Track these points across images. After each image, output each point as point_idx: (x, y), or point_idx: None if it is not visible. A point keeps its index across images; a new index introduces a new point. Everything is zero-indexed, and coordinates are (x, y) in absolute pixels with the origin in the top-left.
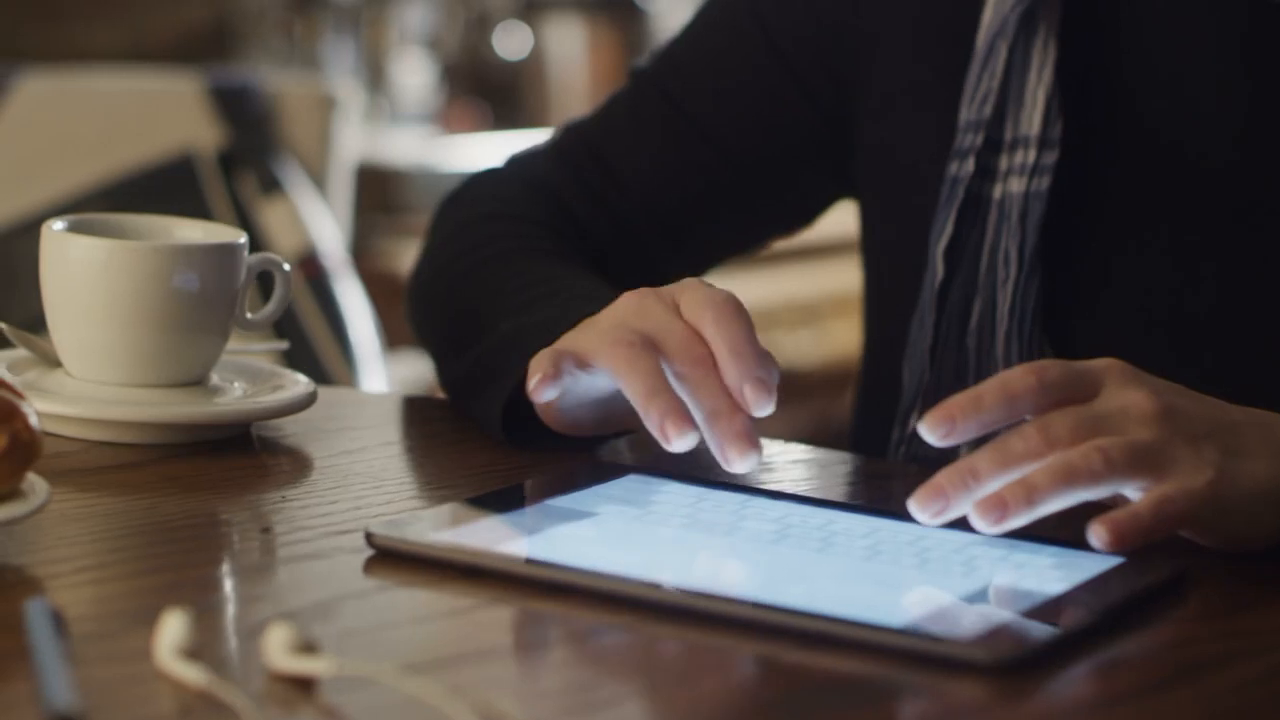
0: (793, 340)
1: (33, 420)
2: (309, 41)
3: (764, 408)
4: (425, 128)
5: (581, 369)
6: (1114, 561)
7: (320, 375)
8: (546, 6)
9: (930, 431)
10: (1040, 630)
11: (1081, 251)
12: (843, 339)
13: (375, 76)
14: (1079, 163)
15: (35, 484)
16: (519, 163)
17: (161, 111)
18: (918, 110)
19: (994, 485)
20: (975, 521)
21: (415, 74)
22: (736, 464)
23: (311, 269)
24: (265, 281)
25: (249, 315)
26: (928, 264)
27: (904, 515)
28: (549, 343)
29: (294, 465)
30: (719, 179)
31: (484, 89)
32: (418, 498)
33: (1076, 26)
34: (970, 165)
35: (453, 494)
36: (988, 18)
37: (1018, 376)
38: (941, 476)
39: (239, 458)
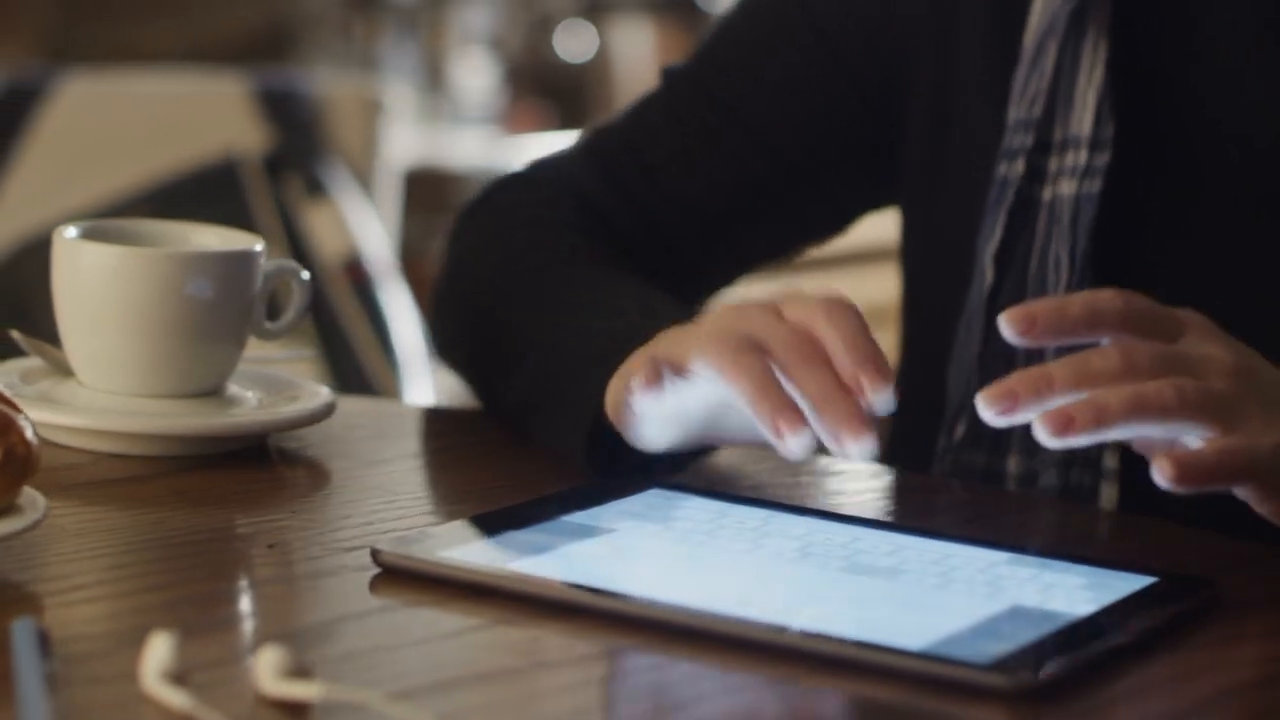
0: None
1: (29, 434)
2: (367, 43)
3: (883, 393)
4: (487, 129)
5: (679, 375)
6: (1145, 582)
7: (363, 383)
8: (612, 7)
9: (1010, 327)
10: (1063, 654)
11: (1133, 255)
12: None
13: (434, 78)
14: (1131, 164)
15: (34, 499)
16: (546, 167)
17: (206, 114)
18: (966, 110)
19: (1065, 399)
20: (1038, 431)
21: (477, 75)
22: (852, 449)
23: (356, 274)
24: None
25: (267, 324)
26: (975, 269)
27: (931, 532)
28: (620, 359)
29: (309, 478)
30: (760, 178)
31: (548, 90)
32: (433, 513)
33: (1127, 25)
34: (1020, 167)
35: (470, 509)
36: (1036, 16)
37: (1107, 296)
38: (1015, 378)
39: (253, 470)
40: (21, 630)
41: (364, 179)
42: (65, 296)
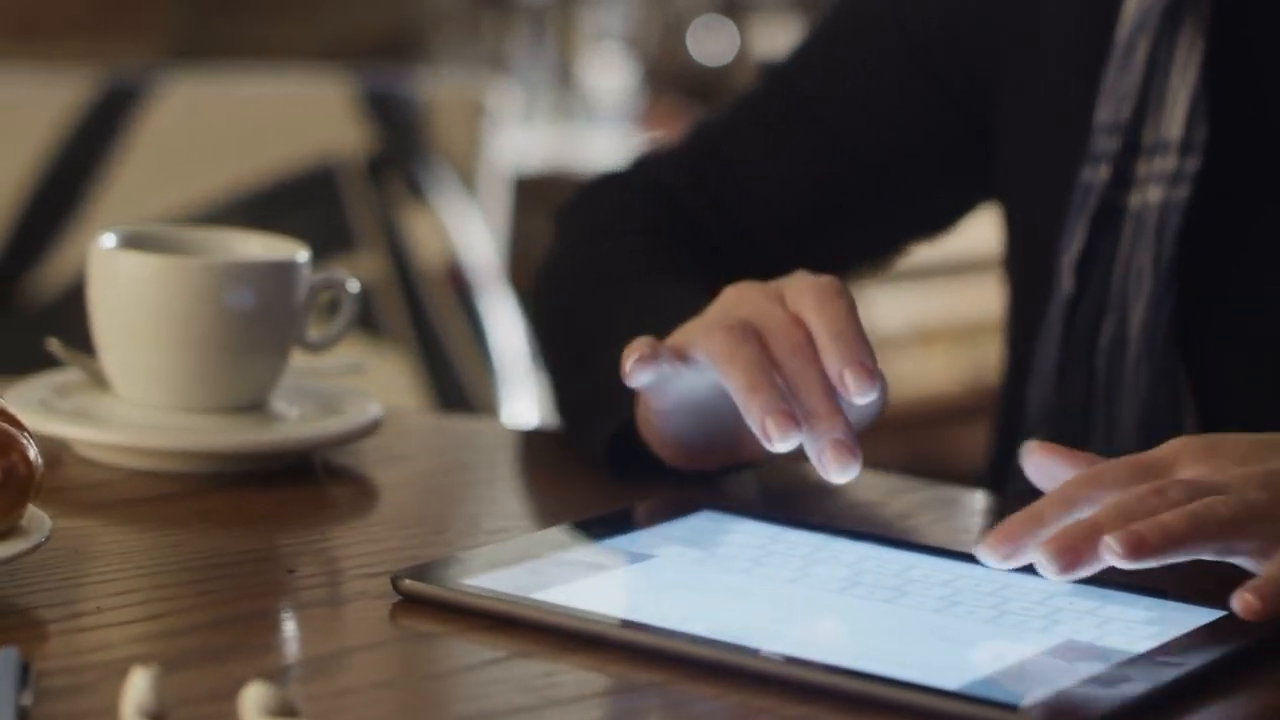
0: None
1: (32, 453)
2: (497, 42)
3: (865, 394)
4: (621, 129)
5: (681, 361)
6: (1212, 615)
7: (460, 395)
8: (752, 6)
9: (990, 555)
10: (1111, 695)
11: (1222, 268)
12: (941, 366)
13: (566, 77)
14: (1223, 171)
15: (39, 520)
16: (644, 165)
17: (308, 116)
18: (1052, 111)
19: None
20: (1108, 554)
21: (609, 74)
22: (834, 475)
23: (458, 282)
24: (409, 292)
25: (313, 335)
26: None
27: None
28: None
29: (350, 498)
30: (842, 179)
31: (688, 89)
32: (473, 535)
33: (1225, 21)
34: (1105, 171)
35: (518, 532)
36: (1129, 11)
37: (1074, 485)
38: (1065, 533)
39: (291, 489)
40: (1, 661)
41: (469, 183)
42: (101, 307)
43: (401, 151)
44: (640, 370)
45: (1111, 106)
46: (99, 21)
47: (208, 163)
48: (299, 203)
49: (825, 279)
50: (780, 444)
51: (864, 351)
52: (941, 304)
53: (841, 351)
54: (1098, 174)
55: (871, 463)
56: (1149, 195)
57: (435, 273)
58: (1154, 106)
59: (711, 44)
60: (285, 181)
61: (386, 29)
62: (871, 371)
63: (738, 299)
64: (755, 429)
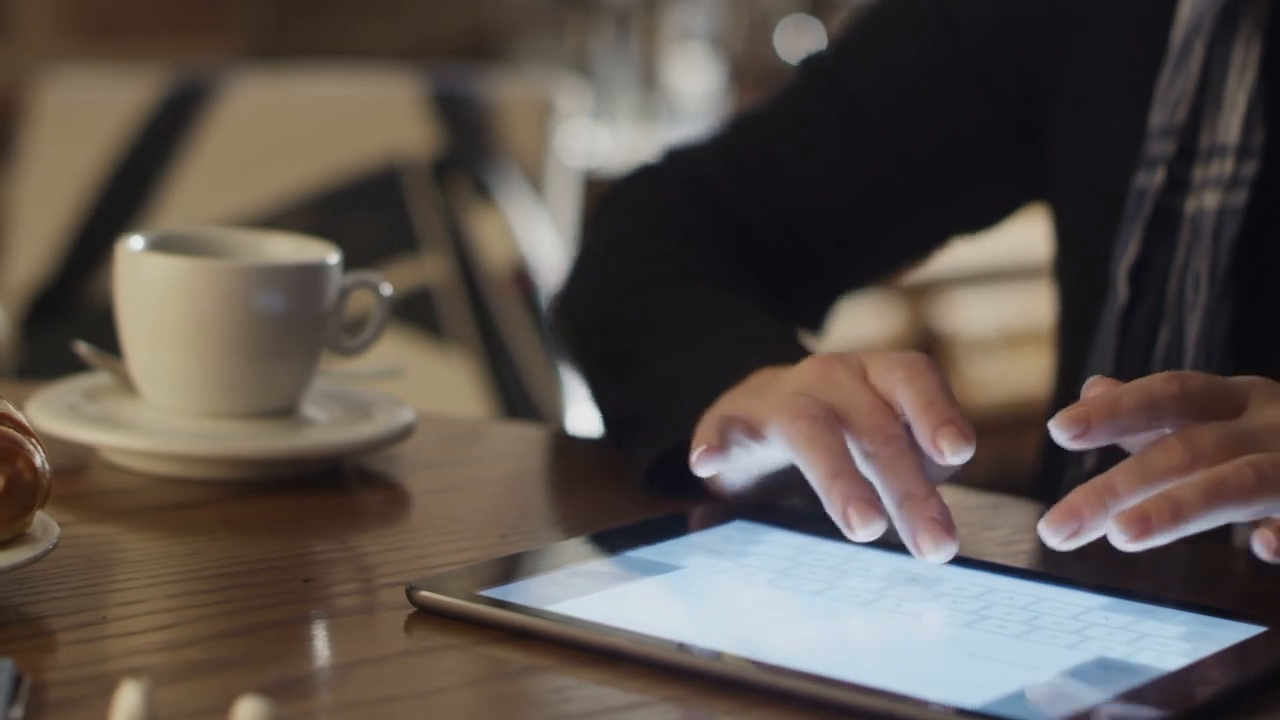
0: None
1: (38, 460)
2: (580, 42)
3: (961, 454)
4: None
5: (753, 439)
6: (1251, 632)
7: (524, 400)
8: (840, 5)
9: (1061, 431)
10: (1135, 715)
11: (1278, 276)
12: (1029, 369)
13: (650, 77)
14: None
15: (47, 528)
16: (679, 158)
17: (375, 116)
18: (1106, 113)
19: (1132, 503)
20: (1115, 538)
21: (694, 74)
22: (931, 554)
23: (524, 284)
24: (474, 295)
25: (346, 339)
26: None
27: (1028, 572)
28: (712, 392)
29: (378, 505)
30: (889, 175)
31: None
32: (498, 545)
33: None
34: (1160, 176)
35: (549, 541)
36: (1184, 13)
37: (1160, 382)
38: (1076, 495)
39: (319, 495)
40: None
41: (537, 184)
42: (128, 311)
43: (468, 152)
44: (709, 461)
45: (1166, 110)
46: (179, 21)
47: (274, 163)
48: (364, 204)
49: (912, 355)
50: (862, 533)
51: (958, 417)
52: (1029, 307)
53: (933, 416)
54: (1152, 179)
55: (963, 468)
56: (1205, 201)
57: (501, 275)
58: (1210, 110)
59: (798, 43)
60: (351, 183)
61: (469, 29)
62: (966, 432)
63: (820, 377)
64: (836, 518)
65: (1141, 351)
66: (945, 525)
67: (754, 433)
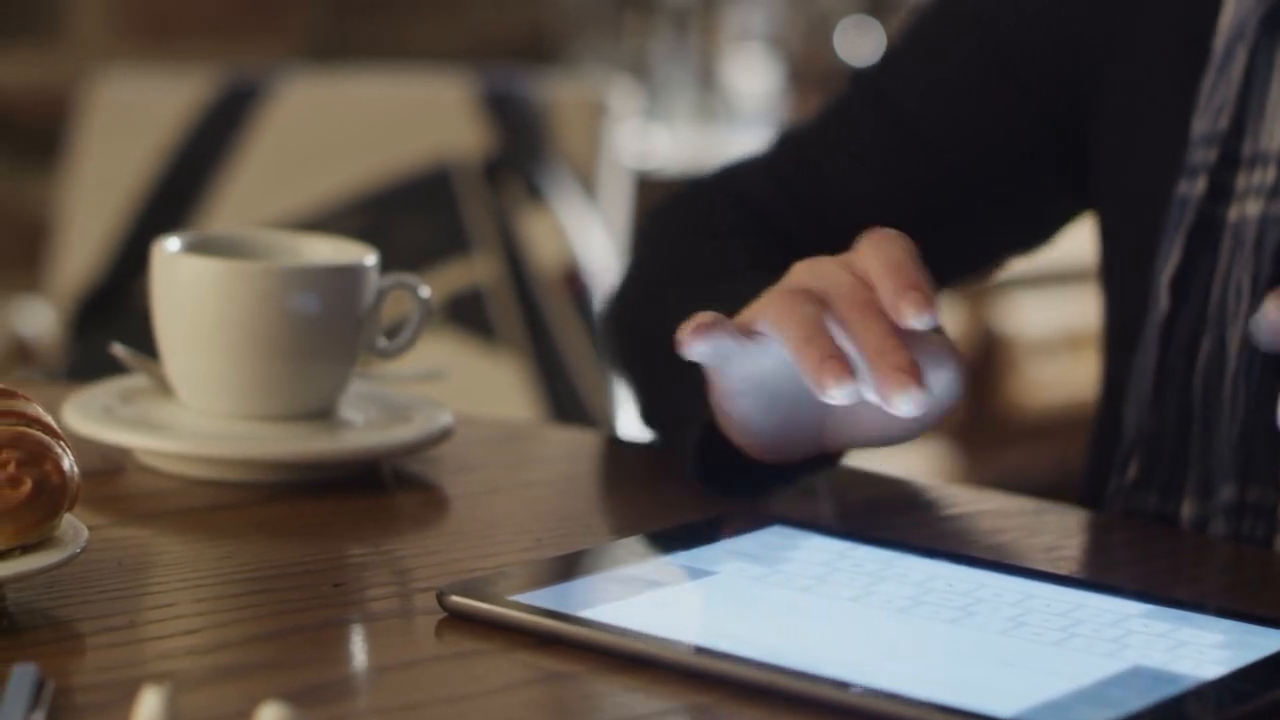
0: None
1: (66, 463)
2: (638, 42)
3: (921, 317)
4: (764, 131)
5: (745, 334)
6: None
7: (575, 402)
8: (899, 6)
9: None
10: None
11: None
12: (1089, 372)
13: (708, 78)
14: None
15: (76, 531)
16: (730, 174)
17: (427, 117)
18: (1148, 122)
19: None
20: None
21: (754, 75)
22: (898, 403)
23: (575, 286)
24: (525, 297)
25: (382, 341)
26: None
27: (1066, 579)
28: None
29: (414, 508)
30: (936, 188)
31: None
32: (533, 549)
33: None
34: (1202, 184)
35: (586, 544)
36: (1226, 19)
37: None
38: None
39: (355, 499)
40: (19, 677)
41: (589, 185)
42: (164, 313)
43: (520, 153)
44: (696, 340)
45: (1209, 118)
46: (236, 21)
47: (325, 164)
48: (415, 205)
49: (885, 230)
50: (836, 393)
51: (920, 281)
52: (1090, 309)
53: (896, 280)
54: (1194, 187)
55: (1022, 471)
56: (1248, 209)
57: (552, 277)
58: (1253, 117)
59: (858, 44)
60: (402, 183)
61: (527, 30)
62: (929, 297)
63: (805, 269)
64: (810, 381)
65: (1184, 362)
66: (912, 373)
67: (745, 328)
